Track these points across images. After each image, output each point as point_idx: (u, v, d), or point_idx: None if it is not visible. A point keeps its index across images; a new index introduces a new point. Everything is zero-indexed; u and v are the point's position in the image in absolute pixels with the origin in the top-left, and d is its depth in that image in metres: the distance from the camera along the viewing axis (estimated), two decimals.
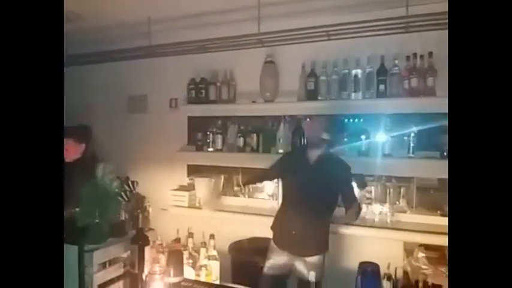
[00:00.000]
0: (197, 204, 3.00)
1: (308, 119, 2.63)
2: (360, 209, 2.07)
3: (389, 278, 1.25)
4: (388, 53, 2.39)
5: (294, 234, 2.02)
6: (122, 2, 2.42)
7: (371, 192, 2.68)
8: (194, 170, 3.19)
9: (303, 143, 2.64)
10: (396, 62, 2.35)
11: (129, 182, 1.41)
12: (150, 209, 1.44)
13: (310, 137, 2.09)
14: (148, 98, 3.33)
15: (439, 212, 2.49)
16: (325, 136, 2.05)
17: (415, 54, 2.30)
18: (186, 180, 3.20)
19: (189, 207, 2.98)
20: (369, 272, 1.13)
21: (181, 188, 3.11)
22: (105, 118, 3.38)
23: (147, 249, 1.27)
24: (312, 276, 1.33)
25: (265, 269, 2.13)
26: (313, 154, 2.08)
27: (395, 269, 1.44)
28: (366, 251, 2.52)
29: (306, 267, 2.00)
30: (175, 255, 1.32)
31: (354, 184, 2.21)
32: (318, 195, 1.98)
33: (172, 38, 2.71)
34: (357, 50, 2.47)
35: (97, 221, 1.19)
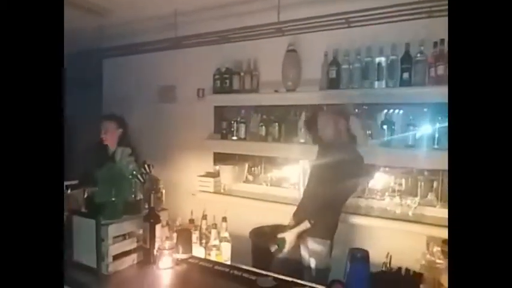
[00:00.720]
0: (222, 190, 3.12)
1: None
2: None
3: (385, 265, 1.24)
4: (413, 39, 2.28)
5: (305, 213, 2.05)
6: None
7: (401, 184, 2.63)
8: (221, 158, 3.30)
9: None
10: (422, 48, 2.24)
11: (146, 165, 1.52)
12: (164, 191, 1.54)
13: (325, 133, 2.08)
14: (177, 88, 3.47)
15: None
16: (342, 125, 2.04)
17: (442, 40, 2.18)
18: (212, 167, 3.33)
19: (214, 192, 3.11)
20: (358, 258, 1.14)
21: (208, 174, 3.24)
22: (136, 108, 3.59)
23: (157, 227, 1.38)
24: (312, 262, 1.36)
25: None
26: (330, 145, 2.08)
27: (390, 256, 1.42)
28: (385, 244, 2.48)
29: (308, 253, 2.03)
30: (184, 234, 1.43)
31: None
32: (331, 184, 1.99)
33: (196, 29, 2.81)
34: (380, 37, 2.39)
35: (113, 199, 1.31)
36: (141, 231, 1.42)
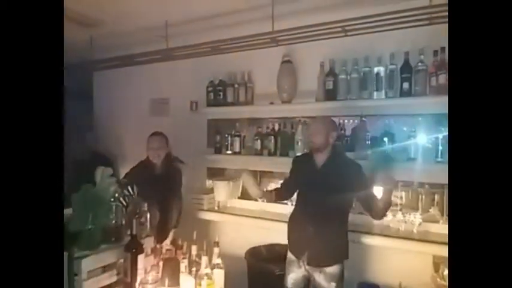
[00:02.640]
0: (216, 208, 2.98)
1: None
2: (386, 205, 1.82)
3: None
4: (413, 48, 2.19)
5: (310, 242, 1.91)
6: (140, 7, 2.46)
7: (401, 197, 2.51)
8: (214, 173, 3.18)
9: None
10: (422, 57, 2.15)
11: (129, 187, 1.39)
12: (148, 215, 1.40)
13: (315, 139, 1.95)
14: (170, 101, 3.37)
15: None
16: (331, 138, 1.92)
17: (443, 49, 2.09)
18: (206, 183, 3.20)
19: (208, 210, 2.97)
20: None
21: (201, 190, 3.11)
22: (128, 121, 3.48)
23: (140, 257, 1.24)
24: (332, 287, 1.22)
25: (288, 285, 2.03)
26: (321, 156, 1.96)
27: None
28: (389, 265, 2.35)
29: (325, 279, 1.89)
30: (171, 264, 1.28)
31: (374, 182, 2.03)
32: (327, 198, 1.86)
33: (188, 40, 2.72)
34: (378, 46, 2.31)
35: (90, 226, 1.17)
36: (122, 261, 1.28)
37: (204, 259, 1.52)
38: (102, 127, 3.72)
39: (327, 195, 1.87)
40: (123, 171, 2.50)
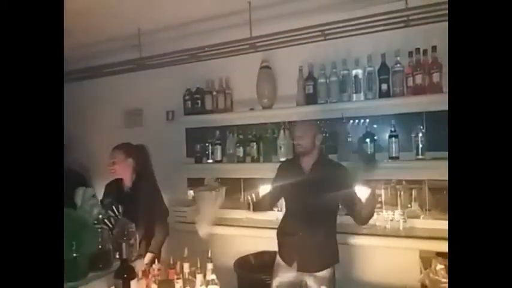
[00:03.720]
0: None
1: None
2: (370, 210, 1.85)
3: None
4: (389, 50, 2.25)
5: (300, 248, 1.88)
6: (111, 15, 2.34)
7: (380, 195, 2.55)
8: (195, 183, 3.08)
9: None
10: (398, 59, 2.21)
11: (113, 207, 1.30)
12: (137, 235, 1.31)
13: (302, 142, 1.93)
14: (144, 111, 3.24)
15: None
16: (317, 140, 1.92)
17: (417, 50, 2.16)
18: (187, 194, 3.10)
19: (191, 222, 2.86)
20: None
21: (182, 202, 3.00)
22: (100, 134, 3.30)
23: (133, 283, 1.15)
24: None
25: None
26: (308, 160, 1.94)
27: None
28: (378, 262, 2.38)
29: (316, 282, 1.86)
30: (165, 287, 1.20)
31: (358, 184, 2.05)
32: (317, 202, 1.84)
33: (163, 48, 2.63)
34: (356, 48, 2.35)
35: (74, 255, 1.07)
36: None
37: (199, 277, 1.45)
38: (73, 141, 3.51)
39: (316, 200, 1.86)
40: (97, 188, 2.36)
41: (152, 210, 2.08)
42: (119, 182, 2.15)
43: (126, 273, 1.14)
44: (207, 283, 1.51)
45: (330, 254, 1.93)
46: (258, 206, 2.18)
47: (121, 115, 3.33)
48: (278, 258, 2.03)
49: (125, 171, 2.10)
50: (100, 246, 1.18)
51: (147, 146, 2.30)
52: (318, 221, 1.89)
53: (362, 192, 1.84)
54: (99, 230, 1.20)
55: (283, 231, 2.04)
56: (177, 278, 1.36)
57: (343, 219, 2.40)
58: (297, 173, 1.98)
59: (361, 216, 1.85)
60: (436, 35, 2.11)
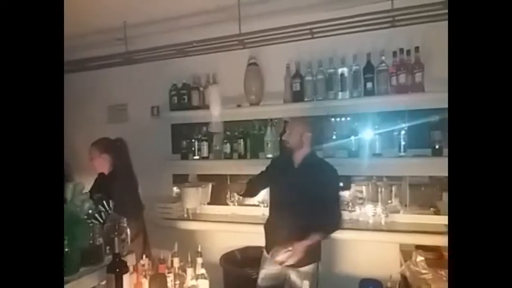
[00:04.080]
0: (185, 216, 2.88)
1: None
2: (339, 220, 1.96)
3: None
4: (374, 49, 2.31)
5: (285, 243, 1.91)
6: (97, 8, 2.29)
7: (362, 192, 2.62)
8: (181, 180, 3.07)
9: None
10: (383, 58, 2.28)
11: (104, 202, 1.28)
12: (128, 230, 1.30)
13: (290, 139, 1.96)
14: (128, 106, 3.19)
15: (432, 209, 2.44)
16: (305, 138, 1.95)
17: (401, 50, 2.23)
18: (172, 191, 3.08)
19: (177, 219, 2.85)
20: None
21: (168, 199, 2.98)
22: (82, 130, 3.22)
23: (125, 277, 1.14)
24: (305, 285, 1.23)
25: (258, 280, 2.03)
26: (297, 157, 1.98)
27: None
28: (360, 256, 2.46)
29: (299, 276, 1.90)
30: (157, 280, 1.20)
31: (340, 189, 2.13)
32: (303, 200, 1.87)
33: (150, 43, 2.60)
34: (342, 47, 2.40)
35: (66, 249, 1.06)
36: (104, 283, 1.17)
37: (189, 271, 1.46)
38: None
39: (302, 195, 1.89)
40: None
41: (124, 203, 2.06)
42: (102, 176, 2.17)
43: (119, 267, 1.14)
44: (197, 277, 1.52)
45: (312, 251, 1.96)
46: (246, 191, 2.17)
47: (104, 110, 3.26)
48: (265, 252, 2.06)
49: (103, 166, 2.16)
50: (91, 241, 1.17)
51: (124, 139, 2.31)
52: (302, 217, 1.93)
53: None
54: (90, 224, 1.19)
55: (269, 225, 2.07)
56: (168, 273, 1.36)
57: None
58: (286, 167, 2.01)
59: (332, 223, 1.91)
60: (419, 36, 2.19)
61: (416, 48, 2.19)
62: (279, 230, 1.94)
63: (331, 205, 1.90)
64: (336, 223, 1.92)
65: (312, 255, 1.95)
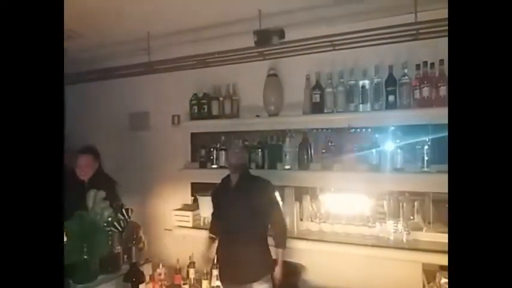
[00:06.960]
0: (201, 224, 2.88)
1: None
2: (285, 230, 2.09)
3: None
4: (396, 62, 2.27)
5: (230, 262, 1.89)
6: (121, 18, 2.37)
7: (383, 206, 2.55)
8: (199, 188, 3.08)
9: (309, 157, 2.54)
10: (405, 71, 2.23)
11: (123, 210, 1.30)
12: (146, 240, 1.32)
13: (234, 159, 2.10)
14: (151, 115, 3.26)
15: None
16: (242, 158, 2.10)
17: (425, 63, 2.17)
18: (190, 199, 3.10)
19: (193, 227, 2.86)
20: None
21: (185, 207, 3.00)
22: (106, 137, 3.31)
23: (141, 287, 1.15)
24: None
25: None
26: (235, 176, 2.08)
27: None
28: (380, 275, 2.37)
29: None
30: None
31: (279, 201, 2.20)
32: (243, 217, 1.96)
33: (172, 53, 2.65)
34: (363, 59, 2.37)
35: (85, 257, 1.08)
36: None
37: (205, 283, 1.45)
38: (77, 143, 3.52)
39: (241, 214, 1.98)
40: None
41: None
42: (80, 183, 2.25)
43: (135, 276, 1.15)
44: None
45: (262, 266, 2.00)
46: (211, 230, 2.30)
47: (127, 118, 3.34)
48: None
49: (88, 173, 2.29)
50: (110, 249, 1.19)
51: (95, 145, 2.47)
52: (244, 234, 1.98)
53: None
54: (110, 232, 1.21)
55: (218, 248, 2.12)
56: (184, 284, 1.36)
57: (346, 228, 2.43)
58: (226, 189, 2.13)
59: (277, 233, 2.03)
60: (443, 49, 2.11)
61: (441, 61, 2.13)
62: (226, 251, 2.00)
63: (275, 217, 2.05)
64: (281, 232, 2.06)
65: (262, 269, 1.99)
